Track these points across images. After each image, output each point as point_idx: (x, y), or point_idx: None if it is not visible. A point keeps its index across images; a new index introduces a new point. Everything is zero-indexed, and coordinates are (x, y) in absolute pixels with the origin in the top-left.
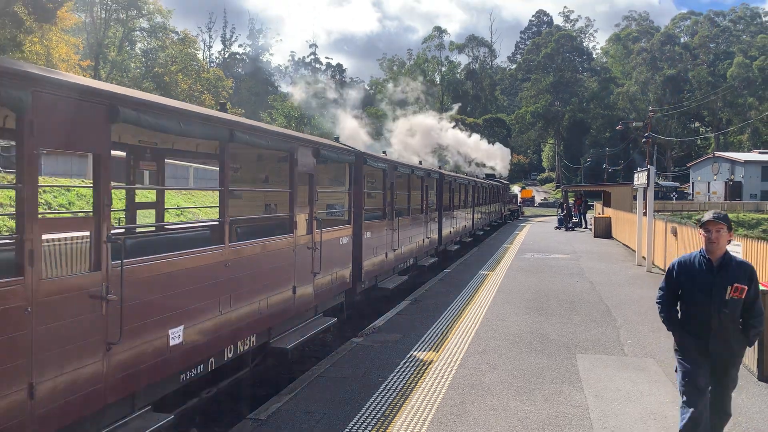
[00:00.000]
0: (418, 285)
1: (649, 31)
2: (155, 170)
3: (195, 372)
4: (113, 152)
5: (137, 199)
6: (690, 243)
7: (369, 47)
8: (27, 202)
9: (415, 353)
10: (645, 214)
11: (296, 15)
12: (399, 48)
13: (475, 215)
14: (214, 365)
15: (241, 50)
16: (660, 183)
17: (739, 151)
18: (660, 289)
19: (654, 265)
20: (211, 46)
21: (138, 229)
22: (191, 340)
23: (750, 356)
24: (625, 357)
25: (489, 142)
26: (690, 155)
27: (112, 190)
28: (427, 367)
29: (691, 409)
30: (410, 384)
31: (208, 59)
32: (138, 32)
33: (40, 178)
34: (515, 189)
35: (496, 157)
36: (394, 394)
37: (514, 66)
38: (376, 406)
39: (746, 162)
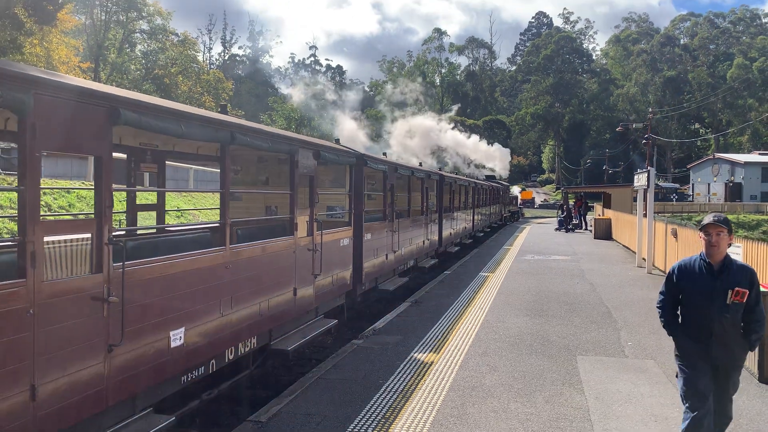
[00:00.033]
0: (419, 287)
1: (649, 32)
2: (156, 172)
3: (196, 374)
4: (114, 154)
5: (138, 201)
6: (690, 244)
7: (369, 49)
8: (29, 204)
9: (415, 355)
10: (645, 215)
11: (296, 17)
12: (399, 50)
13: (476, 217)
14: (215, 367)
15: (241, 52)
16: (660, 184)
17: (739, 153)
18: (660, 293)
19: (654, 266)
20: (211, 48)
21: (139, 231)
22: (192, 341)
23: (751, 358)
24: (626, 359)
25: (488, 143)
26: (690, 157)
27: (113, 192)
28: (428, 369)
29: (694, 414)
30: (411, 386)
31: (208, 61)
32: (138, 34)
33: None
34: (515, 190)
35: (495, 159)
36: (395, 396)
37: (514, 67)
38: (377, 408)
39: (746, 163)
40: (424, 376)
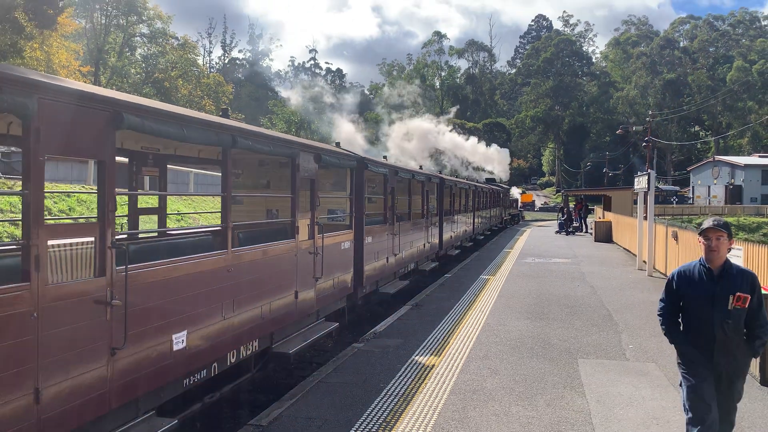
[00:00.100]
0: (419, 290)
1: (649, 35)
2: (157, 176)
3: (198, 377)
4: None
5: (139, 205)
6: (691, 247)
7: (369, 52)
8: (33, 208)
9: (416, 358)
10: (645, 218)
11: (296, 20)
12: (399, 53)
13: (476, 220)
14: (217, 370)
15: (241, 56)
16: (660, 187)
17: (739, 155)
18: (660, 300)
19: (655, 269)
20: (211, 52)
21: (141, 235)
22: (195, 345)
23: (753, 361)
24: (627, 362)
25: (486, 145)
26: (690, 159)
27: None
28: (429, 372)
29: (699, 426)
30: (412, 389)
31: (208, 65)
32: (138, 38)
33: None
34: (515, 193)
35: (494, 160)
36: (396, 400)
37: (514, 70)
38: (378, 411)
39: (746, 166)
40: (425, 379)
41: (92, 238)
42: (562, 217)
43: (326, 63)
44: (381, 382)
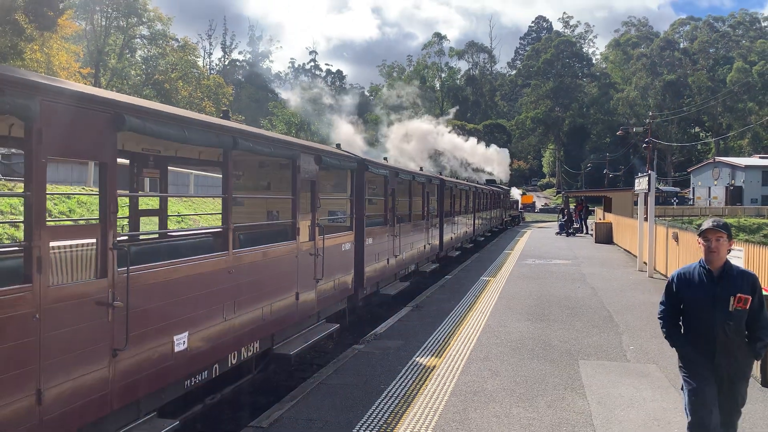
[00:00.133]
0: (420, 291)
1: (649, 36)
2: (158, 177)
3: (199, 378)
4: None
5: (139, 206)
6: (692, 248)
7: (369, 54)
8: (35, 209)
9: (416, 360)
10: (646, 219)
11: (296, 22)
12: (399, 54)
13: (476, 221)
14: (218, 371)
15: (241, 57)
16: (661, 188)
17: (739, 156)
18: (661, 303)
19: (655, 270)
20: (211, 53)
21: (142, 236)
22: (196, 346)
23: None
24: (628, 363)
25: (486, 146)
26: (690, 160)
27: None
28: (429, 373)
29: (700, 431)
30: (412, 391)
31: (208, 66)
32: (138, 39)
33: None
34: (516, 194)
35: (493, 161)
36: (397, 402)
37: (514, 72)
38: (379, 413)
39: (747, 167)
40: (425, 381)
41: (94, 240)
42: (563, 218)
43: (326, 64)
44: (381, 383)
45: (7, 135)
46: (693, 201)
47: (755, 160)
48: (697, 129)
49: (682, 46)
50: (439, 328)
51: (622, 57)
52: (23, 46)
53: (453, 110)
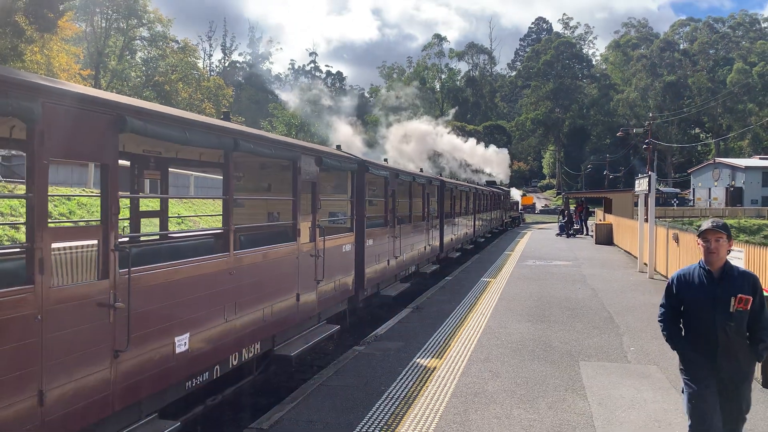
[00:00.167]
0: (420, 292)
1: (649, 37)
2: (159, 179)
3: (200, 379)
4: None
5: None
6: (692, 249)
7: (369, 55)
8: (37, 211)
9: (417, 361)
10: (646, 220)
11: (296, 23)
12: (399, 56)
13: (477, 222)
14: (219, 372)
15: (241, 59)
16: (661, 189)
17: (739, 157)
18: (661, 306)
19: (656, 271)
20: (211, 55)
21: (143, 238)
22: (197, 347)
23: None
24: (629, 364)
25: (485, 147)
26: (690, 161)
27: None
28: (430, 375)
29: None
30: (413, 392)
31: (208, 68)
32: (138, 41)
33: None
34: (516, 195)
35: (492, 162)
36: (397, 403)
37: (514, 73)
38: (379, 414)
39: (747, 168)
40: (426, 382)
41: (95, 241)
42: (563, 219)
43: (326, 66)
44: (382, 385)
45: (8, 137)
46: (693, 202)
47: (755, 161)
48: (697, 130)
49: (682, 47)
50: (440, 329)
51: (622, 58)
52: (23, 48)
53: (452, 111)
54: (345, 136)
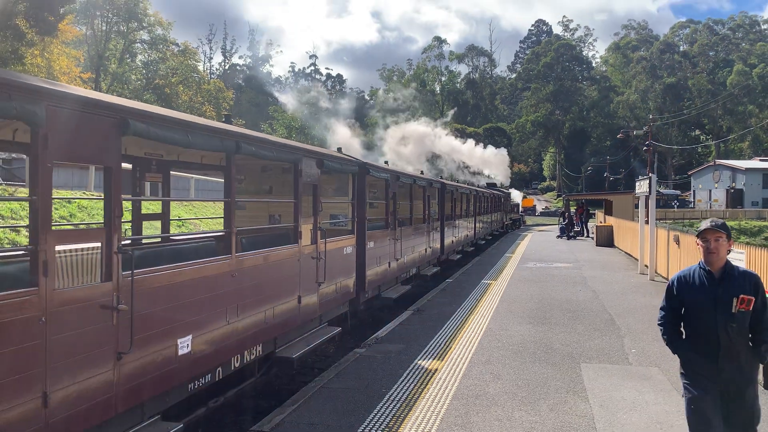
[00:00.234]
0: (421, 294)
1: (648, 39)
2: (161, 182)
3: (203, 381)
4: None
5: (141, 210)
6: (693, 251)
7: (369, 58)
8: (41, 214)
9: (418, 363)
10: (647, 222)
11: (296, 26)
12: (399, 58)
13: (477, 224)
14: (221, 374)
15: (241, 62)
16: (661, 191)
17: (740, 159)
18: (661, 309)
19: (657, 273)
20: (211, 58)
21: (145, 240)
22: (199, 349)
23: None
24: (630, 366)
25: (484, 148)
26: (691, 163)
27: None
28: (431, 377)
29: None
30: (414, 395)
31: (208, 71)
32: (138, 44)
33: None
34: (517, 197)
35: (492, 163)
36: (398, 405)
37: (514, 75)
38: (380, 417)
39: (747, 169)
40: (427, 384)
41: (99, 244)
42: (564, 221)
43: (326, 68)
44: (383, 387)
45: (11, 140)
46: (694, 204)
47: (756, 163)
48: (697, 132)
49: (681, 49)
50: (441, 331)
51: (621, 60)
52: (24, 51)
53: (451, 112)
54: (343, 138)
